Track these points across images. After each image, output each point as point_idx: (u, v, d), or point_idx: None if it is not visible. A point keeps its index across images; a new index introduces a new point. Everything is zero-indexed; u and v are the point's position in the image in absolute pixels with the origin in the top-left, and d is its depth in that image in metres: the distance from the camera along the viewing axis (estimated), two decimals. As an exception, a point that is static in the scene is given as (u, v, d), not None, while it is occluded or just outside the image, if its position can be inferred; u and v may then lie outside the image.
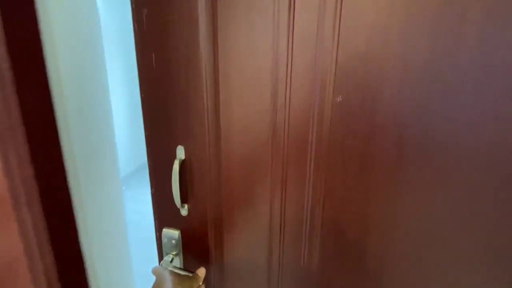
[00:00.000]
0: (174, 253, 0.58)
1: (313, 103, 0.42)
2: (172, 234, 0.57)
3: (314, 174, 0.45)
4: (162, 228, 0.58)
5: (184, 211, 0.55)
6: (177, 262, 0.59)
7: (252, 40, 0.42)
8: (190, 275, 0.54)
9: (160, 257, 0.61)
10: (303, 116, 0.43)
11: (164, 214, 0.58)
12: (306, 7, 0.38)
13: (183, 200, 0.54)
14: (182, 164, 0.52)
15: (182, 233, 0.57)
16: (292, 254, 0.51)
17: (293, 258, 0.51)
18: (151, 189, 0.58)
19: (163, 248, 0.59)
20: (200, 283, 0.53)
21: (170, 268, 0.54)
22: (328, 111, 0.41)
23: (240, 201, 0.52)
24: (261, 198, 0.50)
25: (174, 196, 0.51)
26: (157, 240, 0.60)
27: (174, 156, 0.52)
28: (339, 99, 0.40)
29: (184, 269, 0.58)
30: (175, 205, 0.53)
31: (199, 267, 0.56)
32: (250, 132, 0.47)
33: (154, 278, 0.53)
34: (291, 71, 0.41)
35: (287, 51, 0.40)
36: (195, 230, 0.56)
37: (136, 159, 3.24)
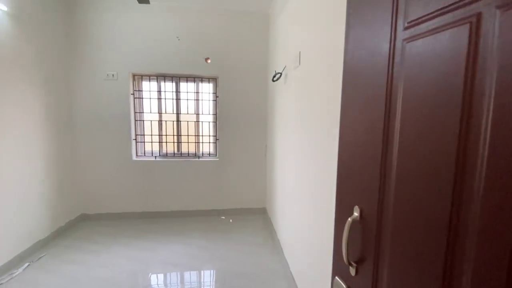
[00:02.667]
0: (340, 305, 0.62)
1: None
2: (341, 286, 0.62)
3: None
4: (335, 276, 0.65)
5: (352, 271, 0.59)
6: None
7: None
8: None
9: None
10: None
11: (338, 264, 0.65)
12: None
13: (351, 259, 0.58)
14: (357, 223, 0.58)
15: (349, 290, 0.60)
16: None
17: None
18: (334, 238, 0.68)
19: (332, 294, 0.65)
20: None
21: None
22: None
23: (408, 278, 0.46)
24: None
25: (343, 252, 0.58)
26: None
27: (351, 214, 0.59)
28: None
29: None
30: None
31: None
32: (423, 207, 0.43)
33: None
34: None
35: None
36: (359, 294, 0.57)
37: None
